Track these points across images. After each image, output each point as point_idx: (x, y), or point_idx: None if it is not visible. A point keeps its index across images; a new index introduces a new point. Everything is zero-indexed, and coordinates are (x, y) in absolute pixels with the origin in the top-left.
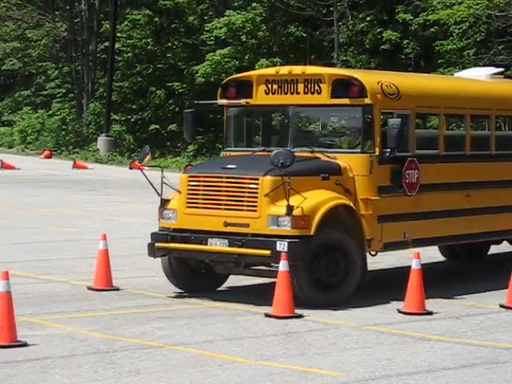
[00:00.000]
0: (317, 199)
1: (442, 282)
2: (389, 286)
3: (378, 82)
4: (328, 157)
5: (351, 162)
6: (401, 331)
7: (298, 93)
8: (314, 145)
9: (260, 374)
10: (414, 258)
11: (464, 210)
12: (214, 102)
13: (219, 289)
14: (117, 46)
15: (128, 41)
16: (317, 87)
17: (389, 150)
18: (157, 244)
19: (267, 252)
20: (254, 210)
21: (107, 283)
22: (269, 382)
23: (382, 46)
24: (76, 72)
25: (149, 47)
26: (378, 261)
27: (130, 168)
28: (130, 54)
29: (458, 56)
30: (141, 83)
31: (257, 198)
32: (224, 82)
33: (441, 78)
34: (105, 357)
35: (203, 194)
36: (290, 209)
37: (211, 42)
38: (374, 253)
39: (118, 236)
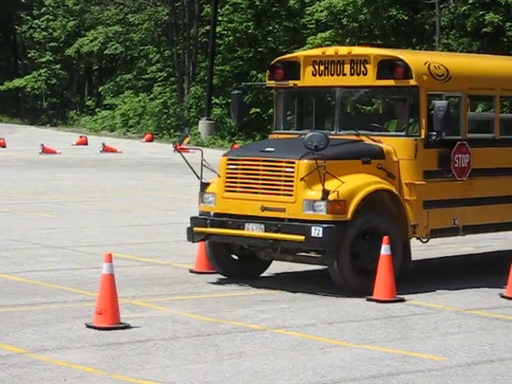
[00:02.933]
0: (355, 183)
1: None
2: (491, 270)
3: (426, 63)
4: (373, 140)
5: (396, 145)
6: (503, 316)
7: (344, 74)
8: (361, 128)
9: (362, 358)
10: None
11: None
12: (263, 83)
13: (317, 270)
14: (218, 29)
15: (229, 24)
16: (363, 68)
17: (435, 133)
18: (195, 228)
19: (301, 238)
20: (290, 195)
21: (209, 266)
22: (370, 365)
23: (484, 29)
24: (177, 56)
25: (250, 31)
26: (484, 245)
27: (174, 151)
28: (230, 38)
29: None
30: (241, 67)
31: (293, 182)
32: (272, 62)
33: (497, 58)
34: (207, 339)
35: (241, 178)
36: (325, 193)
37: (312, 26)
38: (425, 240)
39: None
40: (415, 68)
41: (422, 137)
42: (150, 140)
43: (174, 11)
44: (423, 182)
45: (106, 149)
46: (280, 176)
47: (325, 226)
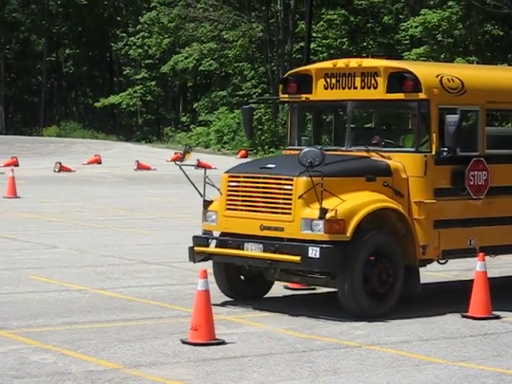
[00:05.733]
0: (356, 202)
1: None
2: None
3: (438, 76)
4: (382, 156)
5: (405, 161)
6: None
7: (355, 87)
8: (371, 143)
9: (457, 375)
10: None
11: None
12: (276, 97)
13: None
14: (312, 45)
15: (323, 41)
16: (373, 81)
17: (446, 149)
18: (196, 248)
19: (297, 258)
20: (289, 213)
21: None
22: (466, 383)
23: None
24: (272, 72)
25: (344, 47)
26: None
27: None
28: (325, 54)
29: None
30: None
31: (291, 199)
32: (284, 76)
33: None
34: (302, 356)
35: (242, 195)
36: (323, 212)
37: (407, 42)
38: (443, 261)
39: None
40: (425, 81)
41: (433, 153)
42: (245, 156)
43: (269, 28)
44: (433, 201)
45: (200, 165)
46: (279, 194)
47: (322, 246)
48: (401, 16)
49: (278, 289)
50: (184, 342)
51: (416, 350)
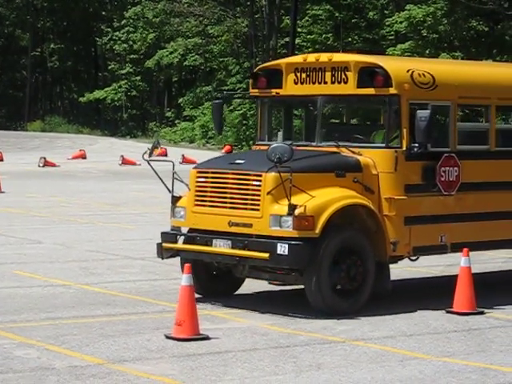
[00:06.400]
0: (325, 198)
1: None
2: None
3: (409, 71)
4: (352, 152)
5: (376, 157)
6: None
7: (325, 82)
8: (343, 139)
9: (441, 371)
10: None
11: None
12: (245, 92)
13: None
14: (297, 41)
15: (308, 36)
16: (343, 76)
17: (417, 144)
18: (164, 244)
19: (266, 255)
20: (257, 209)
21: None
22: (450, 378)
23: None
24: (256, 67)
25: (329, 42)
26: None
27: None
28: (310, 50)
29: None
30: None
31: (260, 195)
32: (254, 70)
33: (493, 65)
34: (285, 351)
35: (210, 191)
36: (292, 208)
37: (391, 37)
38: (414, 258)
39: None
40: (395, 75)
41: (404, 148)
42: (230, 151)
43: (254, 23)
44: (404, 197)
45: (185, 160)
46: (248, 189)
47: (291, 242)
48: (386, 11)
49: (262, 284)
50: (168, 337)
51: (400, 345)
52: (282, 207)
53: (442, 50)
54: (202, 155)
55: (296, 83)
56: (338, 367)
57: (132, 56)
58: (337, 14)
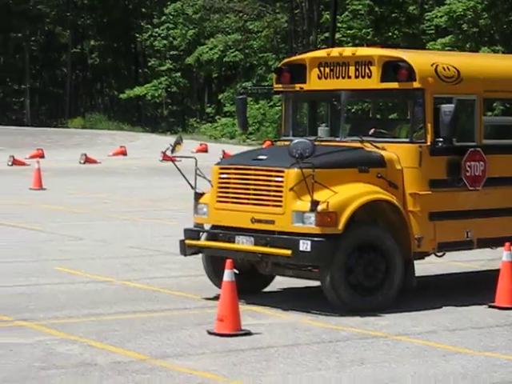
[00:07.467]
0: (348, 194)
1: None
2: None
3: (433, 64)
4: (376, 147)
5: (400, 152)
6: None
7: (349, 77)
8: (366, 134)
9: (483, 365)
10: None
11: None
12: (270, 87)
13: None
14: (337, 36)
15: (348, 31)
16: (367, 70)
17: (442, 139)
18: (187, 241)
19: (288, 252)
20: (280, 206)
21: None
22: (492, 373)
23: None
24: None
25: (369, 37)
26: None
27: (161, 160)
28: (350, 44)
29: None
30: None
31: (282, 192)
32: (279, 65)
33: None
34: (328, 346)
35: (233, 188)
36: (314, 204)
37: (431, 31)
38: (440, 254)
39: None
40: (419, 69)
41: (428, 143)
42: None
43: (293, 18)
44: (429, 192)
45: (226, 156)
46: (270, 186)
47: (314, 239)
48: (426, 6)
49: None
50: (210, 333)
51: (443, 340)
52: (304, 203)
53: (482, 44)
54: (242, 151)
55: (320, 78)
56: (380, 362)
57: (172, 52)
58: (376, 9)
